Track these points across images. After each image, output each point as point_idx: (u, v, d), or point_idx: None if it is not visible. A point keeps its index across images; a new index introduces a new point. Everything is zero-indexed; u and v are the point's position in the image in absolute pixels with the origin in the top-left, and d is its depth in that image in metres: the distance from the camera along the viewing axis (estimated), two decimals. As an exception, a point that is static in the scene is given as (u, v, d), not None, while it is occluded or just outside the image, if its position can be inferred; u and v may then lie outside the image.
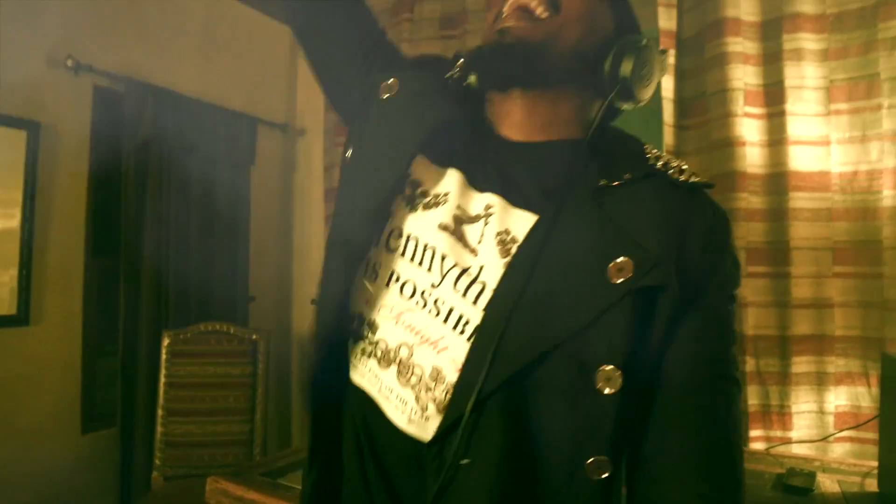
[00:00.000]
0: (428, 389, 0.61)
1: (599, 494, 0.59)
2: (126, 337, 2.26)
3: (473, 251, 0.63)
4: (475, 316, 0.61)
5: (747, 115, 2.09)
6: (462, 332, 0.61)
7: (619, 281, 0.58)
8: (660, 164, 0.65)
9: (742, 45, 2.10)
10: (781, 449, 1.95)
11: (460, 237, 0.64)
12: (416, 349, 0.63)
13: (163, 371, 2.15)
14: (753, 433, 2.05)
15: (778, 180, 2.07)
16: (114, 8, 2.30)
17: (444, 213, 0.65)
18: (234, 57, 2.74)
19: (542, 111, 0.70)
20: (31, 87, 2.05)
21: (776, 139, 2.08)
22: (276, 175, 2.96)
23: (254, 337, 2.32)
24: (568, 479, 0.58)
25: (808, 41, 2.05)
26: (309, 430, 0.70)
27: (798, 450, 1.97)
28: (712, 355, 0.64)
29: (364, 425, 0.66)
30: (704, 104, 2.19)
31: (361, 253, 0.67)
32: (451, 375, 0.60)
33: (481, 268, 0.62)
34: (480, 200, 0.65)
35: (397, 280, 0.65)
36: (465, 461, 0.58)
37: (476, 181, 0.67)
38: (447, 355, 0.61)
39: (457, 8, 2.64)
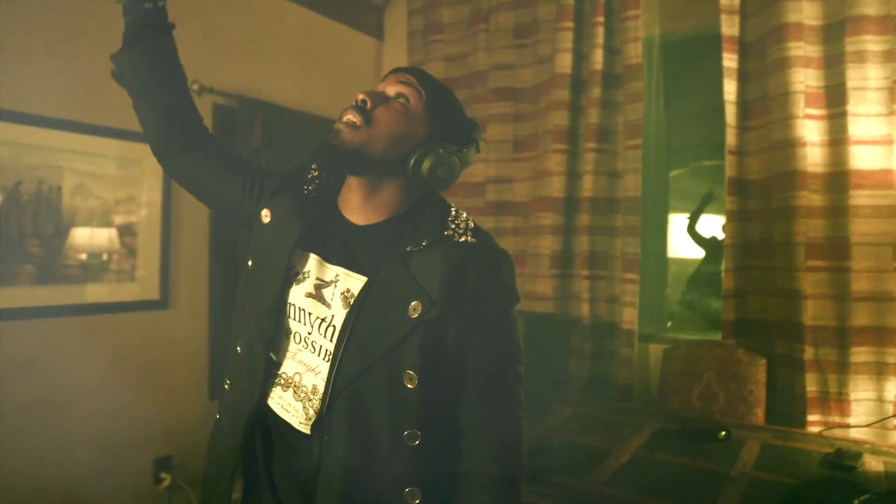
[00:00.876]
0: (310, 400, 0.92)
1: (417, 457, 0.88)
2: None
3: (328, 305, 0.94)
4: (331, 348, 0.91)
5: (808, 116, 2.18)
6: (326, 360, 0.92)
7: (413, 316, 0.87)
8: (448, 231, 0.92)
9: (804, 48, 2.18)
10: (839, 433, 2.06)
11: (320, 298, 0.94)
12: (304, 375, 0.94)
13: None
14: (811, 417, 2.17)
15: (838, 179, 2.15)
16: (227, 36, 2.64)
17: (309, 285, 0.95)
18: (326, 69, 3.05)
19: (372, 197, 0.96)
20: (167, 108, 2.43)
21: (837, 139, 2.15)
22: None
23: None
24: (394, 446, 0.88)
25: (871, 43, 2.11)
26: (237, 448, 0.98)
27: (856, 436, 2.07)
28: (496, 361, 0.93)
29: (273, 431, 0.99)
30: (766, 106, 2.29)
31: (271, 323, 0.97)
32: (322, 388, 0.91)
33: (332, 316, 0.92)
34: (332, 271, 0.95)
35: (289, 334, 0.96)
36: (326, 437, 0.89)
37: (329, 258, 0.96)
38: (321, 376, 0.92)
39: (529, 19, 2.83)
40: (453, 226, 0.93)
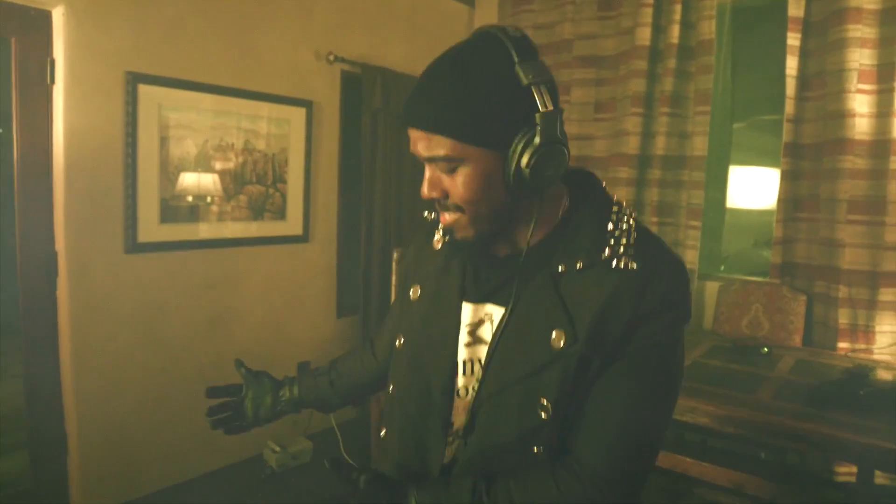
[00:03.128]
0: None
1: (547, 459, 0.82)
2: (365, 252, 3.21)
3: (481, 340, 0.90)
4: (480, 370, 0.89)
5: (860, 90, 2.53)
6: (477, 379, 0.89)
7: (556, 347, 0.79)
8: (607, 250, 0.80)
9: (861, 31, 2.51)
10: (862, 355, 2.52)
11: (478, 340, 0.90)
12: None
13: (393, 276, 3.05)
14: (841, 344, 2.62)
15: (882, 146, 2.52)
16: (351, 9, 3.09)
17: (464, 334, 0.91)
18: (427, 36, 3.47)
19: (508, 238, 0.88)
20: (307, 75, 2.93)
21: (884, 112, 2.51)
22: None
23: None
24: (523, 454, 0.82)
25: (923, 27, 2.42)
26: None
27: (877, 356, 2.52)
28: (632, 391, 0.81)
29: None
30: (823, 80, 2.64)
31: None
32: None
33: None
34: (483, 310, 0.90)
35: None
36: (464, 446, 0.87)
37: (479, 298, 0.90)
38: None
39: (613, -7, 3.18)
40: (612, 241, 0.81)
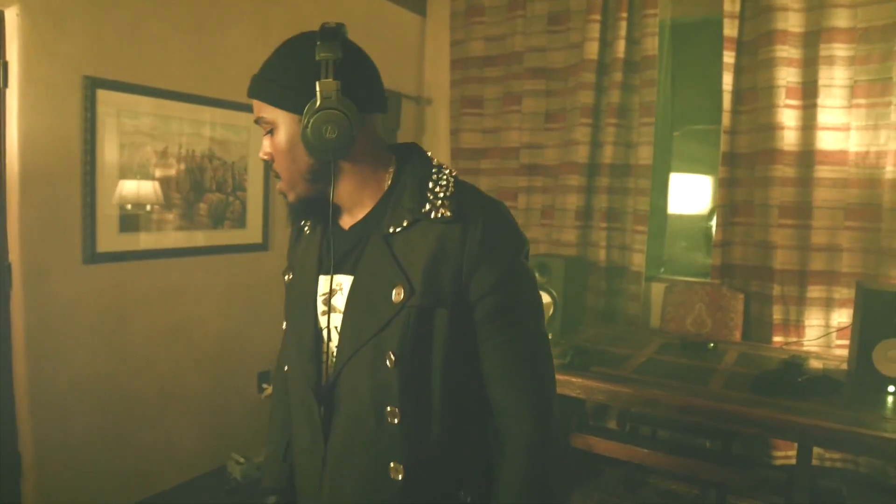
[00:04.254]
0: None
1: (399, 435, 0.89)
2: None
3: (335, 309, 0.97)
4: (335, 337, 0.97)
5: (787, 105, 2.77)
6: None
7: (397, 301, 0.87)
8: (427, 206, 0.89)
9: (787, 51, 2.76)
10: (795, 347, 2.77)
11: (333, 309, 0.97)
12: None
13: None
14: (776, 338, 2.86)
15: (807, 156, 2.77)
16: (308, 17, 3.09)
17: (322, 303, 0.99)
18: (383, 45, 3.52)
19: (343, 200, 0.96)
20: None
21: (808, 125, 2.76)
22: (411, 138, 3.79)
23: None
24: (378, 422, 0.90)
25: (840, 49, 2.69)
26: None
27: (808, 348, 2.77)
28: (517, 329, 0.91)
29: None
30: (755, 95, 2.88)
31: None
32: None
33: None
34: (335, 281, 0.97)
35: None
36: (330, 419, 0.94)
37: (328, 270, 0.97)
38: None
39: (562, 8, 3.33)
40: (431, 196, 0.90)
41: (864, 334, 2.09)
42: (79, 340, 2.33)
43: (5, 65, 2.11)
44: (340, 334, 0.94)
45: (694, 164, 3.63)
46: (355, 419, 0.92)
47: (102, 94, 2.31)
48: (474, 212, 0.89)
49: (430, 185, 0.92)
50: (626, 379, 2.14)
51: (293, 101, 0.88)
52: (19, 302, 2.18)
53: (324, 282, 0.98)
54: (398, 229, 0.90)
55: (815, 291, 2.82)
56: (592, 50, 3.17)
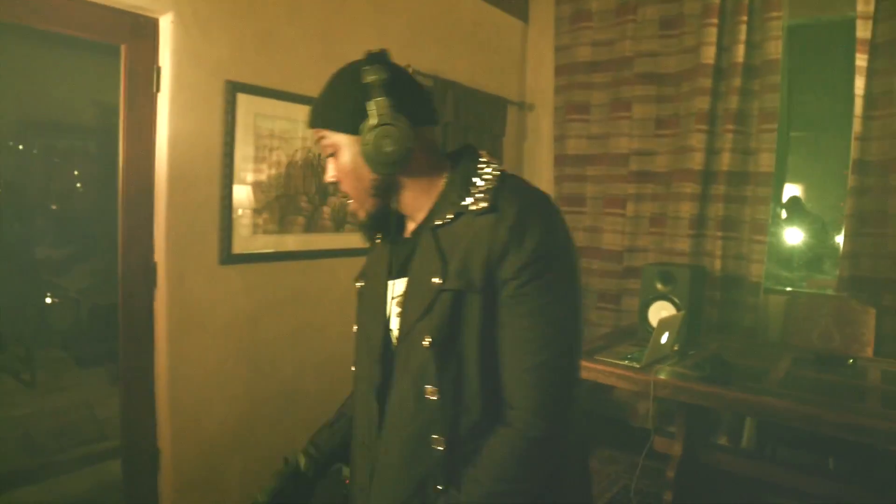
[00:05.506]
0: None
1: (438, 410, 0.93)
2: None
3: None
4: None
5: (929, 110, 2.64)
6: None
7: (435, 287, 0.93)
8: (466, 201, 0.95)
9: (930, 53, 2.63)
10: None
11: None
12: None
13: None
14: None
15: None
16: (423, 23, 3.12)
17: (395, 305, 1.03)
18: (486, 50, 3.52)
19: (406, 207, 1.04)
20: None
21: (952, 131, 2.62)
22: (513, 144, 3.77)
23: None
24: (418, 398, 0.95)
25: None
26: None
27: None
28: (533, 318, 0.91)
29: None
30: (890, 100, 2.74)
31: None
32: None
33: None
34: (400, 285, 1.03)
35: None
36: (386, 398, 1.01)
37: (396, 275, 1.05)
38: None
39: (675, 13, 3.27)
40: (473, 190, 0.96)
41: None
42: (214, 339, 2.38)
43: (158, 70, 2.18)
44: (399, 326, 1.00)
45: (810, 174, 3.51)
46: (401, 397, 0.98)
47: (242, 98, 2.36)
48: (510, 201, 0.93)
49: (475, 179, 0.97)
50: (774, 393, 2.05)
51: (350, 122, 0.96)
52: (163, 300, 2.24)
53: (393, 286, 1.05)
54: (443, 223, 0.96)
55: None
56: (709, 54, 3.09)
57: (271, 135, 2.49)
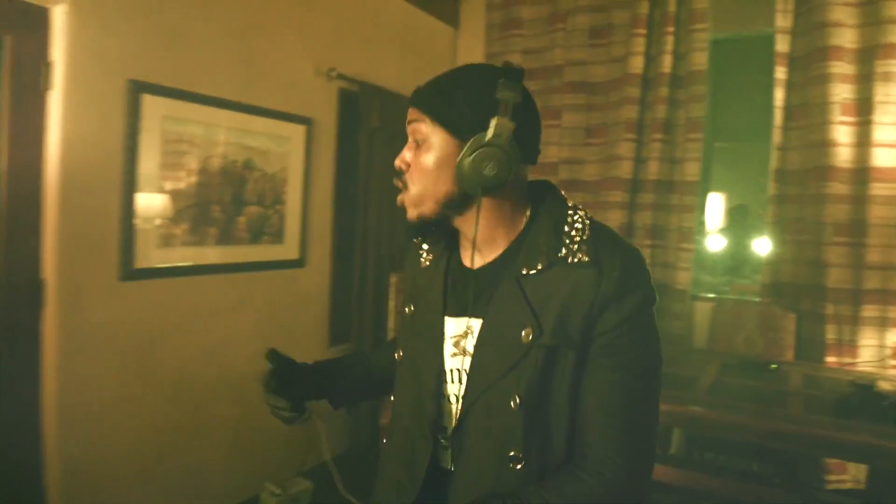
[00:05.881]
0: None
1: (521, 480, 0.87)
2: (359, 277, 3.08)
3: (466, 352, 0.95)
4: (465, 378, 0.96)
5: (841, 122, 2.73)
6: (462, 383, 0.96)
7: (525, 342, 0.86)
8: (563, 250, 0.88)
9: (842, 67, 2.71)
10: (851, 368, 2.68)
11: (463, 352, 0.96)
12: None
13: (391, 301, 2.94)
14: (829, 358, 2.78)
15: (862, 174, 2.72)
16: (350, 28, 2.99)
17: (450, 346, 0.98)
18: (415, 56, 3.43)
19: (480, 234, 0.95)
20: (307, 92, 2.80)
21: (863, 142, 2.71)
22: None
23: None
24: (500, 466, 0.88)
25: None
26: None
27: (864, 370, 2.69)
28: (623, 374, 0.87)
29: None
30: (807, 111, 2.83)
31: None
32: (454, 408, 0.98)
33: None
34: (462, 323, 0.96)
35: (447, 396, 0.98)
36: (456, 453, 0.95)
37: (458, 312, 0.97)
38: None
39: (604, 22, 3.28)
40: (567, 241, 0.89)
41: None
42: (111, 362, 2.17)
43: (49, 65, 1.97)
44: (469, 376, 0.93)
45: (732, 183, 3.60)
46: (478, 462, 0.91)
47: (147, 99, 2.17)
48: (612, 256, 0.88)
49: (566, 227, 0.90)
50: (703, 403, 2.04)
51: (463, 127, 0.88)
52: (53, 322, 2.01)
53: (453, 323, 0.98)
54: (532, 272, 0.89)
55: (869, 310, 2.75)
56: (637, 64, 3.11)
57: (181, 139, 2.30)
